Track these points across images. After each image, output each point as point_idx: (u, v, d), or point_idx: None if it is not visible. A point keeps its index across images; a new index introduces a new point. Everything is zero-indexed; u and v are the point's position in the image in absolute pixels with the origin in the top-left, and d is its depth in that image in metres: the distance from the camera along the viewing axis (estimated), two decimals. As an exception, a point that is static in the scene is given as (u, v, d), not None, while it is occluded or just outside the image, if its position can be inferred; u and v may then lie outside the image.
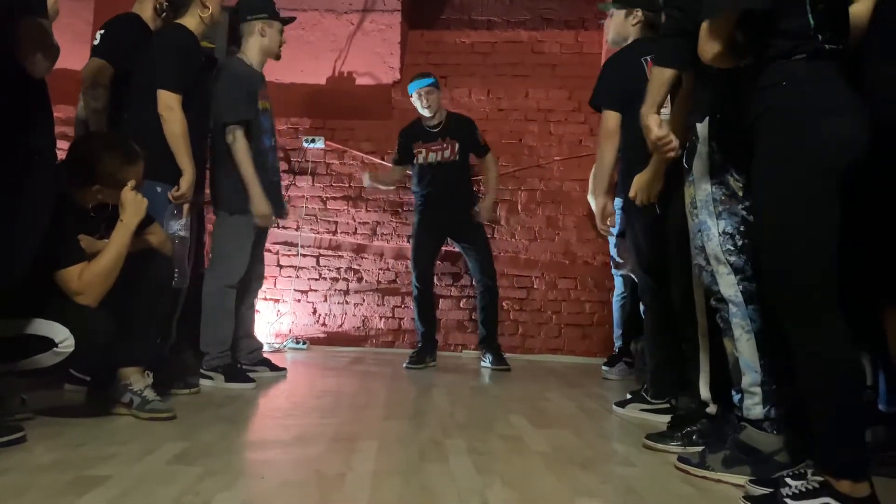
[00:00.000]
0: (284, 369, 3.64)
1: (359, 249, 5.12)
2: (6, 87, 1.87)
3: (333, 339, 5.03)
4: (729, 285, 1.92)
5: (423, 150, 4.29)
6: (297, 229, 5.08)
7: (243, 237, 3.31)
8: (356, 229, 5.14)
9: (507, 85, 5.21)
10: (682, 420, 2.28)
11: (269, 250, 4.91)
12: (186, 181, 2.87)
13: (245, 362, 3.46)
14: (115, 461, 1.83)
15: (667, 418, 2.44)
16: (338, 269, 5.11)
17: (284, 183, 4.94)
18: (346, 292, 5.09)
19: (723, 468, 1.86)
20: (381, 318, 5.07)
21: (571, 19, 5.28)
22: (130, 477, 1.70)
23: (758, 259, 1.77)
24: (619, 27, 2.96)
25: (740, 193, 1.91)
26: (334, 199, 5.17)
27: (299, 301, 5.08)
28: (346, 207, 5.16)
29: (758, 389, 1.87)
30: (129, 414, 2.39)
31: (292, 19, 3.58)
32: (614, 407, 2.88)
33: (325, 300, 5.08)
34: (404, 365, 4.10)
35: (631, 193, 2.49)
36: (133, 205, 2.38)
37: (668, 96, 2.15)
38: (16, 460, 1.80)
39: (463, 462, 1.96)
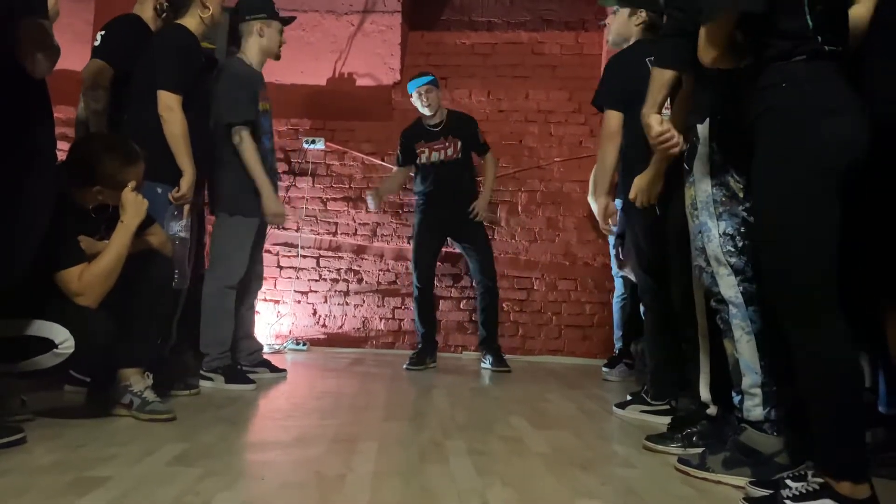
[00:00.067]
0: (284, 370, 3.64)
1: (359, 250, 5.12)
2: (6, 88, 1.87)
3: (333, 340, 5.03)
4: (729, 286, 1.92)
5: (426, 150, 4.29)
6: (297, 230, 5.08)
7: (243, 238, 3.31)
8: (356, 230, 5.14)
9: (508, 86, 5.22)
10: (683, 421, 2.28)
11: (270, 251, 4.92)
12: (186, 182, 2.87)
13: (245, 363, 3.46)
14: (115, 462, 1.83)
15: (667, 420, 2.44)
16: (338, 270, 5.11)
17: (285, 184, 4.97)
18: (347, 293, 5.09)
19: (723, 469, 1.86)
20: (381, 319, 5.07)
21: (572, 20, 5.29)
22: (130, 478, 1.69)
23: (758, 259, 1.77)
24: (622, 27, 2.95)
25: (741, 194, 1.91)
26: (334, 200, 5.17)
27: (299, 302, 5.08)
28: (346, 208, 5.16)
29: (758, 391, 1.87)
30: (129, 415, 2.38)
31: (292, 19, 3.58)
32: (614, 408, 2.88)
33: (326, 301, 5.08)
34: (404, 366, 4.10)
35: (631, 195, 2.49)
36: (133, 206, 2.38)
37: (669, 97, 2.15)
38: (16, 461, 1.80)
39: (463, 463, 1.96)
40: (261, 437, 2.41)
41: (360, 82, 5.19)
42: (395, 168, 4.60)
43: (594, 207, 3.28)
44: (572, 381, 3.83)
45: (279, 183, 3.71)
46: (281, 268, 5.11)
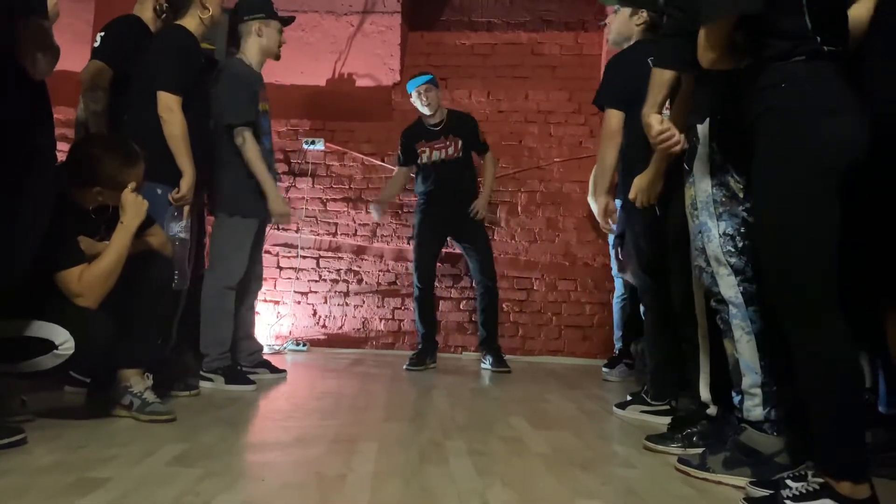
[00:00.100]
0: (284, 371, 3.64)
1: (359, 251, 5.12)
2: (6, 89, 1.87)
3: (333, 340, 5.03)
4: (729, 286, 1.92)
5: (427, 149, 4.29)
6: (296, 231, 5.08)
7: (242, 238, 3.31)
8: (356, 231, 5.14)
9: (507, 86, 5.22)
10: (683, 421, 2.28)
11: (269, 252, 4.92)
12: (186, 183, 2.87)
13: (245, 364, 3.46)
14: (115, 463, 1.83)
15: (667, 420, 2.44)
16: (338, 270, 5.11)
17: (284, 185, 4.97)
18: (346, 294, 5.09)
19: (723, 470, 1.86)
20: (381, 319, 5.07)
21: (571, 21, 5.29)
22: (130, 479, 1.70)
23: (758, 259, 1.77)
24: (623, 26, 2.94)
25: (741, 195, 1.91)
26: (334, 200, 5.18)
27: (299, 303, 5.08)
28: (345, 209, 5.16)
29: (758, 391, 1.87)
30: (129, 416, 2.38)
31: (291, 19, 3.57)
32: (614, 408, 2.88)
33: (325, 302, 5.09)
34: (404, 367, 4.10)
35: (631, 195, 2.49)
36: (133, 207, 2.38)
37: (669, 97, 2.15)
38: (16, 462, 1.80)
39: (463, 463, 1.96)
40: (261, 438, 2.41)
41: (360, 83, 5.19)
42: (395, 168, 4.60)
43: (594, 208, 3.27)
44: (572, 382, 3.83)
45: (279, 184, 3.70)
46: (281, 268, 5.11)
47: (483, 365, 4.29)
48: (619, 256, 4.02)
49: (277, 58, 3.51)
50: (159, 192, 2.81)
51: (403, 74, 5.06)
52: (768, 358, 1.87)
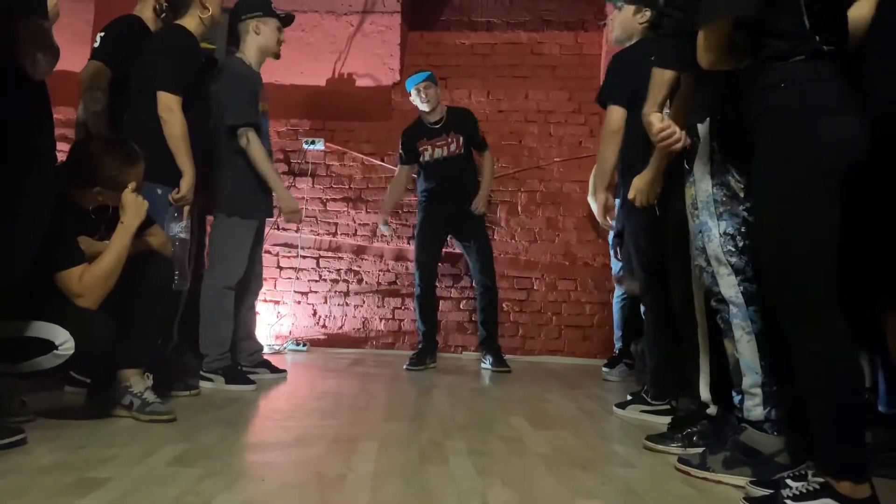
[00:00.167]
0: (284, 371, 3.64)
1: (359, 251, 5.12)
2: (6, 89, 1.87)
3: (333, 340, 5.03)
4: (730, 286, 1.92)
5: (429, 147, 4.29)
6: (297, 231, 5.08)
7: (241, 239, 3.31)
8: (356, 231, 5.14)
9: (507, 86, 5.22)
10: (683, 421, 2.28)
11: (269, 252, 4.92)
12: (186, 183, 2.87)
13: (245, 364, 3.46)
14: (116, 463, 1.83)
15: (667, 419, 2.44)
16: (338, 270, 5.11)
17: (284, 184, 4.95)
18: (346, 294, 5.09)
19: (723, 469, 1.86)
20: (381, 319, 5.07)
21: (571, 21, 5.29)
22: (130, 479, 1.70)
23: (758, 259, 1.77)
24: (627, 24, 2.93)
25: (741, 194, 1.91)
26: (334, 200, 5.18)
27: (299, 303, 5.08)
28: (345, 209, 5.16)
29: (758, 391, 1.87)
30: (130, 416, 2.38)
31: (290, 18, 3.54)
32: (614, 408, 2.88)
33: (325, 302, 5.09)
34: (404, 366, 4.10)
35: (630, 195, 2.49)
36: (133, 207, 2.38)
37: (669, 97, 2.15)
38: (16, 462, 1.80)
39: (463, 463, 1.96)
40: (261, 438, 2.41)
41: (360, 83, 5.19)
42: (397, 168, 4.58)
43: (594, 207, 3.27)
44: (572, 381, 3.83)
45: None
46: (281, 268, 5.11)
47: (483, 365, 4.29)
48: (619, 256, 4.03)
49: (277, 56, 3.50)
50: (159, 192, 2.81)
51: (403, 74, 5.06)
52: (769, 358, 1.87)
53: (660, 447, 2.19)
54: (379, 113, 5.17)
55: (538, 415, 2.82)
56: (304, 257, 5.10)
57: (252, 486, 1.73)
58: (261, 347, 3.70)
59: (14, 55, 1.86)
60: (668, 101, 2.15)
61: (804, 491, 1.56)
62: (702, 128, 1.98)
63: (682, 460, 1.96)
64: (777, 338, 1.73)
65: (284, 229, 5.04)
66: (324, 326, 5.06)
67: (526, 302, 5.03)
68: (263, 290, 3.88)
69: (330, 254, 5.13)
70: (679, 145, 2.04)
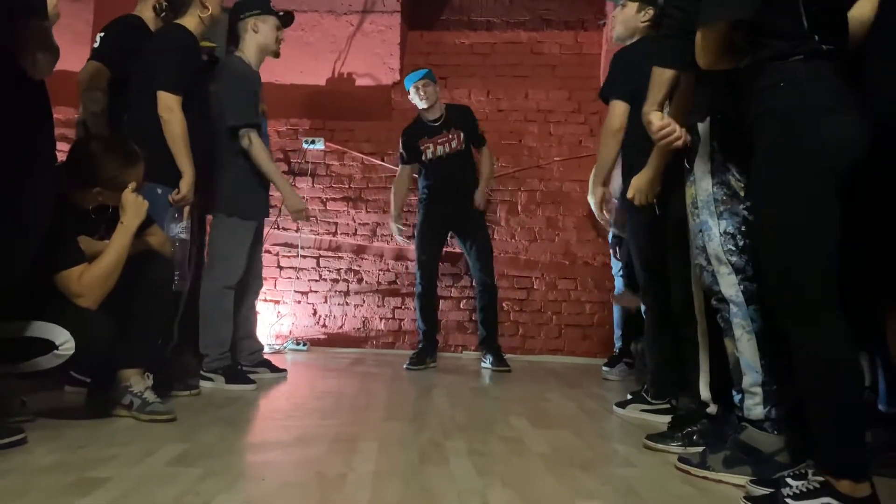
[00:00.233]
0: (285, 370, 3.64)
1: (359, 250, 5.12)
2: (6, 89, 1.87)
3: (334, 340, 5.03)
4: (730, 285, 1.92)
5: (430, 145, 4.28)
6: (297, 230, 5.08)
7: (241, 238, 3.31)
8: (356, 230, 5.14)
9: (507, 86, 5.22)
10: (683, 420, 2.28)
11: (269, 252, 4.92)
12: (186, 183, 2.86)
13: (245, 363, 3.46)
14: (116, 463, 1.83)
15: (667, 419, 2.44)
16: (338, 270, 5.11)
17: (289, 184, 4.95)
18: (347, 293, 5.09)
19: (723, 468, 1.86)
20: (381, 319, 5.07)
21: (571, 20, 5.29)
22: (131, 478, 1.70)
23: (758, 259, 1.77)
24: (629, 22, 2.91)
25: (741, 193, 1.91)
26: (334, 200, 5.18)
27: (299, 302, 5.08)
28: (345, 208, 5.16)
29: (758, 390, 1.87)
30: (130, 416, 2.38)
31: (290, 16, 3.52)
32: (615, 407, 2.88)
33: (326, 301, 5.09)
34: (405, 366, 4.10)
35: (629, 194, 2.49)
36: (133, 207, 2.38)
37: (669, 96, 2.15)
38: (16, 462, 1.80)
39: (463, 463, 1.96)
40: (261, 438, 2.41)
41: (360, 82, 5.19)
42: (398, 168, 4.56)
43: (594, 207, 3.27)
44: (572, 381, 3.83)
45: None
46: (281, 268, 5.11)
47: (483, 364, 4.29)
48: (618, 256, 4.03)
49: (277, 55, 3.48)
50: (159, 192, 2.81)
51: (403, 74, 5.06)
52: (769, 357, 1.87)
53: (660, 446, 2.19)
54: (379, 112, 5.17)
55: (538, 414, 2.82)
56: (305, 257, 5.10)
57: (252, 485, 1.73)
58: (261, 347, 3.70)
59: (14, 55, 1.86)
60: (668, 101, 2.15)
61: (804, 490, 1.56)
62: (702, 127, 1.98)
63: (682, 459, 1.96)
64: (777, 337, 1.73)
65: (284, 229, 5.04)
66: (324, 326, 5.06)
67: (526, 301, 5.03)
68: (263, 289, 3.88)
69: (330, 253, 5.13)
70: (679, 143, 2.04)
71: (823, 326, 1.56)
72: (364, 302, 5.08)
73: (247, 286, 3.45)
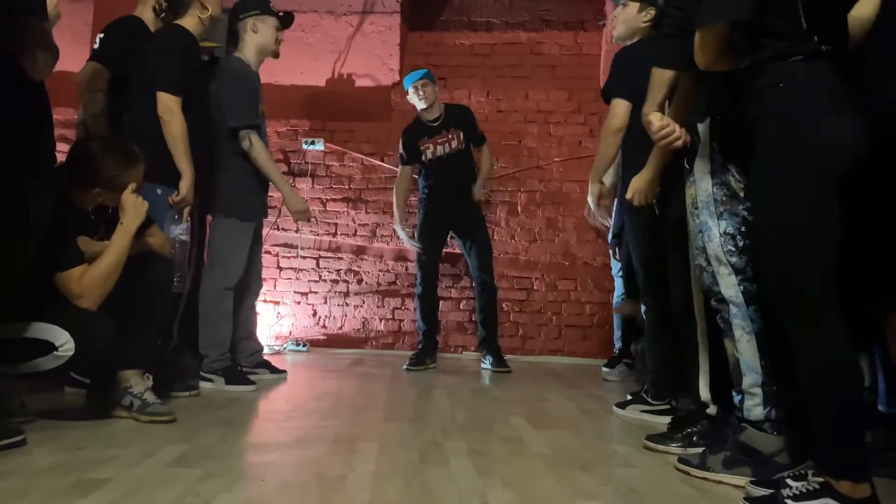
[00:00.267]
0: (284, 371, 3.64)
1: (359, 251, 5.12)
2: (6, 89, 1.87)
3: (333, 341, 5.03)
4: (730, 286, 1.92)
5: (431, 145, 4.28)
6: (296, 231, 5.08)
7: (240, 239, 3.30)
8: (356, 231, 5.14)
9: (507, 86, 5.22)
10: (683, 421, 2.28)
11: (269, 252, 4.92)
12: (186, 184, 2.86)
13: (245, 364, 3.46)
14: (115, 464, 1.83)
15: (667, 419, 2.44)
16: (338, 270, 5.11)
17: (289, 184, 4.95)
18: (346, 294, 5.09)
19: (723, 469, 1.86)
20: (381, 319, 5.07)
21: (570, 21, 5.29)
22: (130, 479, 1.70)
23: (757, 259, 1.77)
24: (631, 21, 2.91)
25: (741, 194, 1.91)
26: (334, 200, 5.18)
27: (299, 303, 5.08)
28: (345, 209, 5.16)
29: (758, 390, 1.87)
30: (129, 417, 2.38)
31: (289, 17, 3.52)
32: (614, 408, 2.88)
33: (325, 302, 5.08)
34: (404, 367, 4.10)
35: (628, 195, 2.49)
36: (133, 208, 2.38)
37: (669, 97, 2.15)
38: (16, 463, 1.80)
39: (463, 464, 1.96)
40: (261, 438, 2.41)
41: (360, 83, 5.19)
42: (399, 169, 4.51)
43: (594, 206, 3.26)
44: (572, 381, 3.83)
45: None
46: (281, 269, 5.11)
47: (483, 365, 4.29)
48: (617, 256, 4.03)
49: (276, 56, 3.48)
50: (159, 192, 2.81)
51: (403, 74, 5.04)
52: (769, 357, 1.87)
53: (660, 447, 2.19)
54: (378, 113, 5.17)
55: (538, 415, 2.82)
56: (304, 258, 5.10)
57: (252, 486, 1.72)
58: (261, 348, 3.70)
59: (14, 55, 1.87)
60: (667, 101, 2.15)
61: (804, 490, 1.56)
62: (702, 127, 1.98)
63: (682, 460, 1.96)
64: (777, 337, 1.73)
65: (284, 230, 5.04)
66: (324, 327, 5.06)
67: (526, 302, 5.03)
68: (263, 290, 3.88)
69: (330, 254, 5.13)
70: (679, 143, 2.04)
71: (823, 327, 1.56)
72: (364, 302, 5.08)
73: (246, 287, 3.45)
